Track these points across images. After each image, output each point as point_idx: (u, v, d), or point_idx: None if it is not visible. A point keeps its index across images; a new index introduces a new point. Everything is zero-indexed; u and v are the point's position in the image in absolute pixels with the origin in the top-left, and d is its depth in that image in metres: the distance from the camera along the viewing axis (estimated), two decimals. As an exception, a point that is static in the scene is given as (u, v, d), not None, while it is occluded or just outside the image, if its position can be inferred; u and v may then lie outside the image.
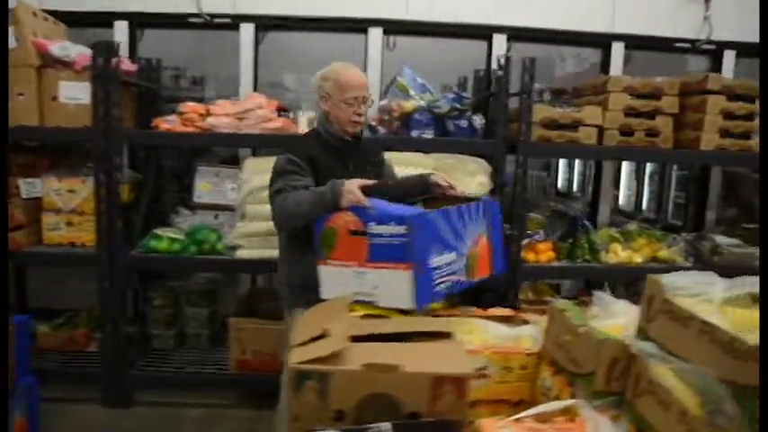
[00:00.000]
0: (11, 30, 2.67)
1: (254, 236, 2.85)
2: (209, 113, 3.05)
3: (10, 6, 2.64)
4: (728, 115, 2.95)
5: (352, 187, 1.90)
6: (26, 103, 2.72)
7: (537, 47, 3.64)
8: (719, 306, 1.25)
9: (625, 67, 3.60)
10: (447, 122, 3.11)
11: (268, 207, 2.80)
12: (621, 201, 6.02)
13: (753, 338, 1.04)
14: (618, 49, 3.53)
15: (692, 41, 3.55)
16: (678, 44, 3.57)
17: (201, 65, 3.97)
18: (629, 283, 3.34)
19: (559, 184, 7.12)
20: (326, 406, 1.39)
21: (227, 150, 3.63)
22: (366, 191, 1.93)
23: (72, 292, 3.60)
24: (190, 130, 3.01)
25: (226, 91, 3.62)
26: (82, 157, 3.12)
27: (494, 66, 3.22)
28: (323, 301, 1.86)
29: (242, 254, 2.87)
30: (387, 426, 1.30)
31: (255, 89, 3.49)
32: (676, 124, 3.06)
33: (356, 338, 1.56)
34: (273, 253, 2.86)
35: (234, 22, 3.37)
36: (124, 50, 3.35)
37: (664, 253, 3.12)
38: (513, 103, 2.95)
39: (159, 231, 2.94)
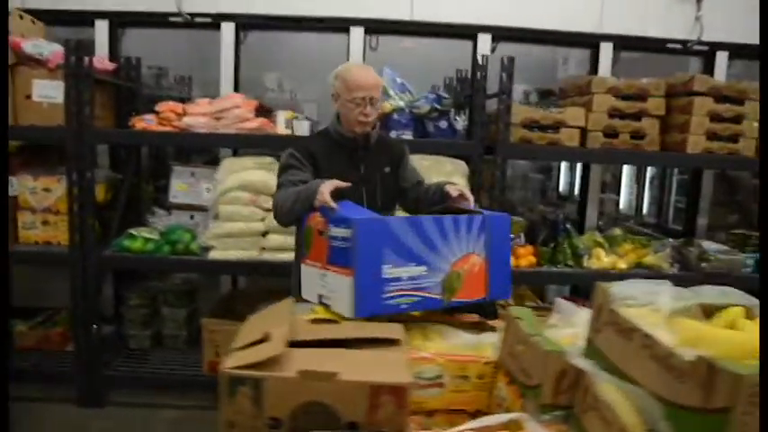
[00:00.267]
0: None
1: (227, 237, 2.81)
2: (186, 113, 3.03)
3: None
4: (716, 117, 2.87)
5: (323, 188, 1.87)
6: (-1, 102, 2.70)
7: (539, 48, 3.58)
8: (668, 318, 1.18)
9: (615, 68, 3.53)
10: (427, 123, 3.06)
11: (241, 208, 2.80)
12: (622, 205, 5.94)
13: (691, 354, 0.96)
14: (606, 49, 3.46)
15: (684, 42, 3.47)
16: (669, 45, 3.48)
17: (189, 64, 3.95)
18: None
19: (561, 188, 7.06)
20: (261, 413, 1.34)
21: (210, 150, 3.60)
22: (340, 192, 1.89)
23: (55, 290, 3.59)
24: (167, 129, 2.99)
25: (213, 91, 3.60)
26: (58, 155, 3.10)
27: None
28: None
29: (215, 255, 2.84)
30: (321, 435, 1.26)
31: (237, 89, 3.47)
32: (663, 126, 2.98)
33: (301, 344, 1.52)
34: (246, 254, 2.85)
35: (214, 21, 3.35)
36: (103, 49, 3.35)
37: (649, 259, 3.04)
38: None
39: (134, 231, 2.91)
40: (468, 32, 3.42)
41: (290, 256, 2.82)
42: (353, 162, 2.15)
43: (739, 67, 3.52)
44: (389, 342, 1.54)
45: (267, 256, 2.85)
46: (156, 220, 3.01)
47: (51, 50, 2.74)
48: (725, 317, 1.25)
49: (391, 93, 3.10)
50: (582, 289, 3.32)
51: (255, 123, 3.05)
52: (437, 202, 2.09)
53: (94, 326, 2.86)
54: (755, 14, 3.10)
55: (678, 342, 1.07)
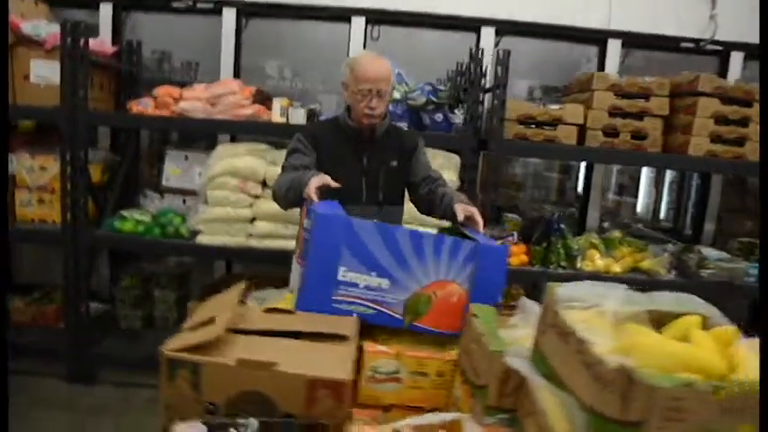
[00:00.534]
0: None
1: (214, 221, 2.82)
2: (182, 98, 3.04)
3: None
4: (721, 119, 2.75)
5: (312, 182, 1.84)
6: (-2, 80, 2.75)
7: (561, 45, 3.49)
8: (609, 323, 1.13)
9: (631, 69, 3.40)
10: (423, 116, 3.01)
11: (228, 193, 2.80)
12: (640, 208, 5.79)
13: (615, 362, 0.90)
14: (614, 46, 3.34)
15: (697, 41, 3.34)
16: (681, 44, 3.36)
17: (196, 50, 3.97)
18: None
19: (580, 187, 6.92)
20: (199, 397, 1.33)
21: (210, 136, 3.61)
22: (338, 189, 1.87)
23: (53, 268, 3.66)
24: (162, 113, 3.00)
25: (219, 78, 3.60)
26: (57, 135, 3.14)
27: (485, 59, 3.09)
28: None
29: (203, 239, 2.85)
30: (253, 422, 1.24)
31: (238, 75, 3.47)
32: (666, 127, 2.88)
33: (251, 332, 1.50)
34: (234, 240, 2.85)
35: (216, 7, 3.34)
36: (107, 32, 3.38)
37: (646, 264, 2.94)
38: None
39: (126, 213, 2.94)
40: (470, 25, 3.35)
41: (277, 243, 2.83)
42: (357, 153, 2.10)
43: (754, 70, 3.36)
44: (338, 338, 1.51)
45: (254, 242, 2.85)
46: (148, 202, 3.03)
47: (49, 31, 2.77)
48: (678, 326, 1.19)
49: (394, 84, 3.06)
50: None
51: (250, 110, 3.04)
52: (449, 218, 2.00)
53: (84, 305, 2.90)
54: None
55: (613, 349, 1.01)
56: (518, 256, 2.94)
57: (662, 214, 5.40)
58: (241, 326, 1.52)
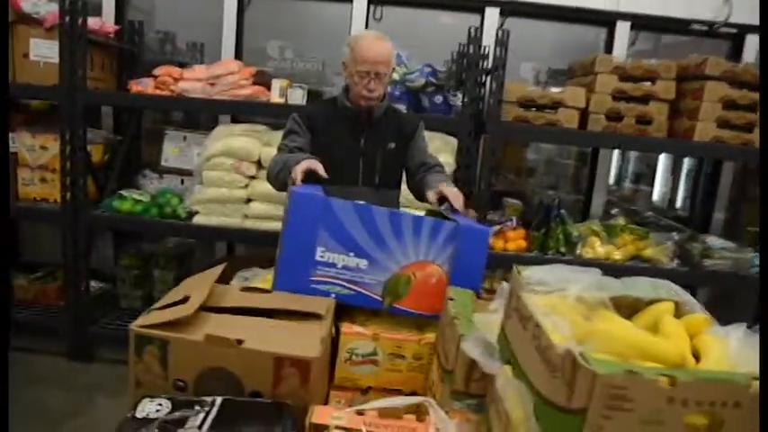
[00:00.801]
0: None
1: (210, 202, 2.82)
2: (182, 78, 3.03)
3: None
4: (729, 104, 2.65)
5: (299, 165, 1.84)
6: (-2, 59, 2.77)
7: (582, 28, 3.38)
8: (573, 308, 1.09)
9: (634, 51, 3.30)
10: (422, 98, 2.97)
11: (223, 174, 2.80)
12: (656, 197, 5.68)
13: (563, 347, 0.87)
14: (622, 29, 3.24)
15: (710, 24, 3.21)
16: (693, 26, 3.24)
17: (203, 31, 3.95)
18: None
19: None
20: (167, 374, 1.34)
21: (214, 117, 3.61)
22: (312, 173, 1.84)
23: (57, 246, 3.71)
24: (161, 93, 3.00)
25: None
26: (57, 114, 3.17)
27: (485, 40, 3.02)
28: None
29: (199, 219, 2.86)
30: (218, 399, 1.24)
31: (240, 56, 3.45)
32: (672, 112, 2.79)
33: (225, 310, 1.50)
34: (230, 221, 2.85)
35: (218, -15, 3.32)
36: (110, 11, 3.38)
37: (648, 252, 2.88)
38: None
39: (125, 192, 2.96)
40: (474, 6, 3.27)
41: (273, 224, 2.83)
42: (354, 135, 2.08)
43: (770, 52, 3.23)
44: (312, 316, 1.50)
45: (250, 223, 2.85)
46: (147, 182, 3.04)
47: (48, 10, 2.78)
48: (650, 313, 1.15)
49: (394, 66, 3.01)
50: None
51: (249, 90, 3.03)
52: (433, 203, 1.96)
53: (84, 284, 2.94)
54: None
55: (569, 336, 0.98)
56: (516, 241, 2.90)
57: (678, 203, 5.29)
58: (216, 304, 1.52)
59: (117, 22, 3.38)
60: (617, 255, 2.85)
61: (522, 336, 1.08)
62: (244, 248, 3.57)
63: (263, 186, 2.60)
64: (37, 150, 2.98)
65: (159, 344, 1.33)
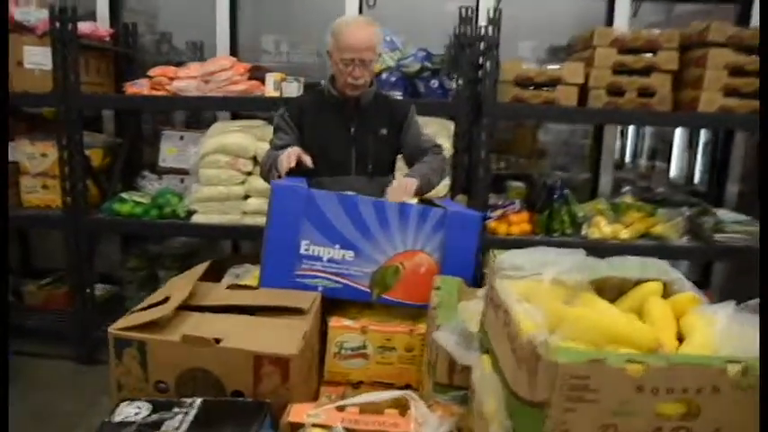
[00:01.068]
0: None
1: (208, 200, 2.81)
2: (177, 77, 3.02)
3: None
4: (737, 71, 2.53)
5: (281, 158, 1.83)
6: (-8, 69, 2.78)
7: (574, 3, 3.27)
8: (549, 292, 1.03)
9: (637, 20, 3.17)
10: (418, 83, 2.90)
11: (220, 171, 2.79)
12: (673, 172, 5.53)
13: (526, 336, 0.82)
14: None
15: (715, -12, 3.08)
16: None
17: (202, 30, 3.94)
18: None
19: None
20: (147, 376, 1.32)
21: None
22: (298, 164, 1.83)
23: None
24: (157, 93, 3.00)
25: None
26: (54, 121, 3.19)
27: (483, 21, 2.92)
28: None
29: (198, 218, 2.85)
30: (197, 401, 1.22)
31: (235, 52, 3.42)
32: (677, 83, 2.68)
33: (207, 309, 1.48)
34: (228, 218, 2.84)
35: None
36: (104, 15, 3.37)
37: (658, 229, 2.79)
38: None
39: (125, 195, 2.97)
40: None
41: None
42: (344, 123, 2.04)
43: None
44: (295, 311, 1.47)
45: (249, 220, 2.83)
46: (146, 183, 3.05)
47: (39, 17, 2.78)
48: (637, 294, 1.10)
49: (380, 51, 2.95)
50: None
51: (243, 86, 3.00)
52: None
53: (89, 288, 2.96)
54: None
55: (543, 323, 0.93)
56: (519, 224, 2.83)
57: (696, 178, 5.13)
58: (200, 303, 1.50)
59: (112, 25, 3.38)
60: (625, 233, 2.77)
61: (495, 324, 1.03)
62: (250, 245, 3.56)
63: (261, 182, 2.57)
64: (37, 158, 3.01)
65: (138, 346, 1.31)
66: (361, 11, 3.28)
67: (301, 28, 3.48)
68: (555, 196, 2.81)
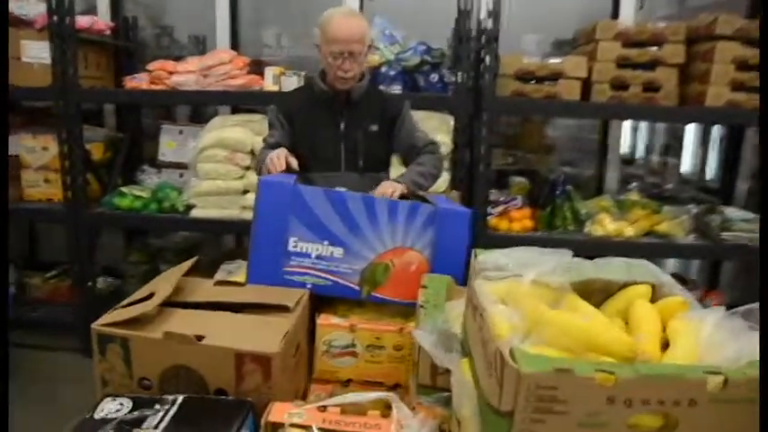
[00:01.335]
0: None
1: (206, 195, 2.80)
2: (176, 71, 3.01)
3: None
4: (744, 65, 2.46)
5: (268, 161, 1.81)
6: (-9, 63, 2.79)
7: None
8: (531, 294, 1.00)
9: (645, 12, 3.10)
10: (417, 77, 2.86)
11: (218, 166, 2.77)
12: (685, 168, 5.43)
13: (496, 343, 0.78)
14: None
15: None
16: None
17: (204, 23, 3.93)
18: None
19: (623, 150, 6.54)
20: (131, 373, 1.31)
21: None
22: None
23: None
24: (158, 88, 2.99)
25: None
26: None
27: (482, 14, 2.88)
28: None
29: (197, 213, 2.84)
30: (179, 398, 1.21)
31: (237, 46, 3.40)
32: (683, 77, 2.61)
33: (192, 305, 1.46)
34: (227, 213, 2.83)
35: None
36: (104, 9, 3.37)
37: (663, 226, 2.73)
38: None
39: (125, 189, 2.97)
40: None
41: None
42: (333, 118, 2.00)
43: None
44: (286, 309, 1.45)
45: (248, 215, 2.82)
46: (146, 177, 3.04)
47: (37, 12, 2.78)
48: (623, 297, 1.06)
49: (380, 45, 2.92)
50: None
51: (242, 80, 2.99)
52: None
53: (91, 281, 2.98)
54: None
55: (521, 327, 0.90)
56: (521, 221, 2.79)
57: (708, 174, 5.03)
58: (186, 299, 1.49)
59: (113, 19, 3.37)
60: (629, 231, 2.71)
61: (472, 327, 1.00)
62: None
63: (258, 177, 2.57)
64: (38, 151, 3.01)
65: (121, 342, 1.30)
66: (362, 4, 3.24)
67: (302, 21, 3.45)
68: (557, 192, 2.76)
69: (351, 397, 1.25)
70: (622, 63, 2.59)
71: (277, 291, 1.56)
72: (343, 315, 1.61)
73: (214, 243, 3.57)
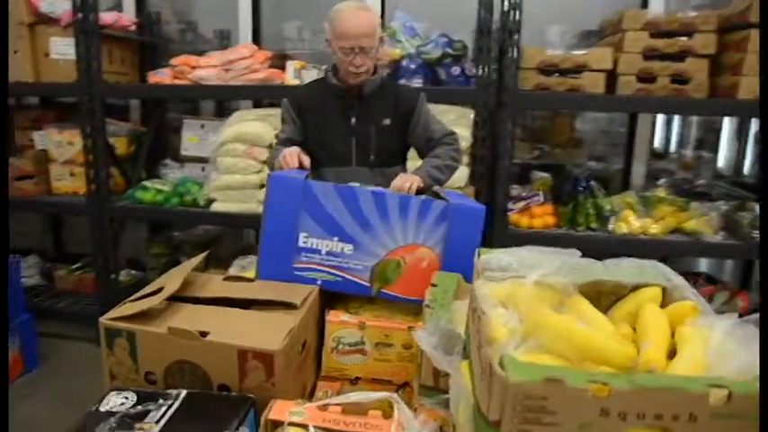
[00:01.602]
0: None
1: (226, 189, 2.82)
2: (198, 66, 3.03)
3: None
4: (781, 55, 2.34)
5: (281, 161, 1.81)
6: (21, 60, 2.86)
7: None
8: (535, 296, 0.96)
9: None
10: (438, 70, 2.82)
11: (237, 160, 2.79)
12: (721, 163, 5.24)
13: (490, 348, 0.76)
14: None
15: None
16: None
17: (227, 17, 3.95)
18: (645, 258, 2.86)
19: (656, 143, 6.36)
20: (138, 367, 1.33)
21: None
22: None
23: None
24: (181, 82, 3.02)
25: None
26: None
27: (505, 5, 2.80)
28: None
29: (217, 207, 2.87)
30: (182, 393, 1.22)
31: (258, 40, 3.41)
32: (714, 68, 2.50)
33: (202, 300, 1.47)
34: (246, 207, 2.84)
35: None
36: (130, 5, 3.42)
37: (691, 224, 2.63)
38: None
39: (147, 183, 3.02)
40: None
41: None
42: (344, 113, 1.99)
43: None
44: (288, 305, 1.44)
45: (266, 209, 2.83)
46: (167, 171, 3.08)
47: (64, 8, 2.83)
48: (633, 300, 1.02)
49: (401, 38, 2.88)
50: (607, 257, 2.95)
51: (264, 74, 2.99)
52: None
53: (113, 274, 3.04)
54: None
55: (519, 331, 0.86)
56: (542, 217, 2.72)
57: (746, 169, 4.83)
58: (195, 294, 1.50)
59: (138, 15, 3.42)
60: (654, 228, 2.62)
61: (472, 330, 0.97)
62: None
63: (276, 172, 2.57)
64: (64, 146, 3.08)
65: (127, 336, 1.32)
66: (384, -1, 3.21)
67: (324, 15, 3.41)
68: (580, 188, 2.69)
69: (352, 397, 1.24)
70: (650, 54, 2.49)
71: (286, 287, 1.56)
72: (354, 312, 1.60)
73: (234, 237, 3.61)
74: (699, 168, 4.28)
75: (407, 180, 1.79)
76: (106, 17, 2.95)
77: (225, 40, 3.86)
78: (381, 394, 1.24)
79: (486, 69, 2.57)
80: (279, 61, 3.11)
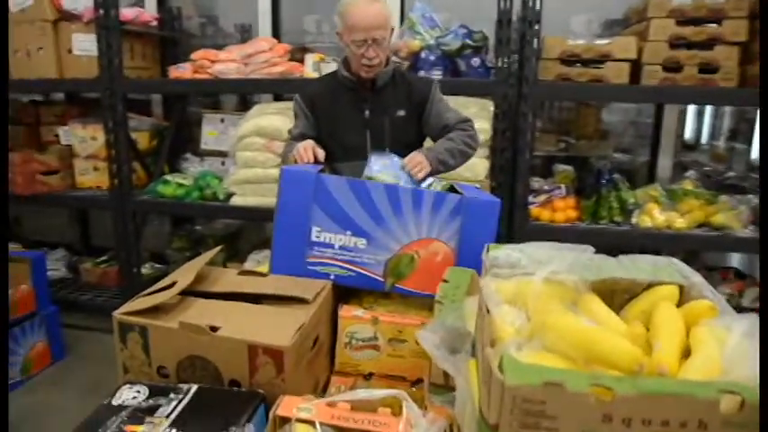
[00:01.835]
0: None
1: (245, 182, 2.83)
2: (218, 60, 3.05)
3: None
4: (816, 41, 2.23)
5: (296, 155, 1.80)
6: (45, 57, 2.92)
7: None
8: (545, 293, 0.93)
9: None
10: (458, 61, 2.77)
11: (256, 154, 2.80)
12: (755, 155, 5.07)
13: (492, 349, 0.73)
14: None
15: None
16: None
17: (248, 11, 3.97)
18: (671, 253, 2.78)
19: (687, 134, 6.18)
20: (150, 361, 1.34)
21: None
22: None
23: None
24: (201, 77, 3.04)
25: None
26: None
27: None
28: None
29: (236, 201, 2.88)
30: (193, 387, 1.23)
31: (278, 34, 3.41)
32: (745, 56, 2.40)
33: (215, 295, 1.48)
34: (265, 200, 2.85)
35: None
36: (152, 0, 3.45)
37: (718, 218, 2.54)
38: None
39: (169, 177, 3.05)
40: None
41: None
42: (357, 106, 1.97)
43: None
44: (300, 301, 1.44)
45: (284, 204, 2.83)
46: (188, 165, 3.12)
47: (86, 5, 2.87)
48: (648, 299, 0.98)
49: (420, 29, 2.85)
50: (629, 251, 2.88)
51: (283, 67, 2.99)
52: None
53: (136, 267, 3.09)
54: None
55: (525, 330, 0.84)
56: (564, 211, 2.67)
57: (780, 160, 4.65)
58: (208, 289, 1.51)
59: (160, 10, 3.46)
60: (680, 222, 2.54)
61: (479, 328, 0.95)
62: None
63: (294, 165, 2.57)
64: (87, 141, 3.14)
65: (140, 331, 1.33)
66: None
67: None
68: (603, 181, 2.62)
69: (361, 394, 1.23)
70: (676, 42, 2.40)
71: (299, 282, 1.55)
72: (368, 307, 1.59)
73: (255, 230, 3.63)
74: (731, 160, 4.15)
75: (419, 162, 1.78)
76: (127, 13, 2.99)
77: (246, 33, 3.87)
78: (390, 391, 1.22)
79: (507, 60, 2.52)
80: (298, 54, 3.11)
